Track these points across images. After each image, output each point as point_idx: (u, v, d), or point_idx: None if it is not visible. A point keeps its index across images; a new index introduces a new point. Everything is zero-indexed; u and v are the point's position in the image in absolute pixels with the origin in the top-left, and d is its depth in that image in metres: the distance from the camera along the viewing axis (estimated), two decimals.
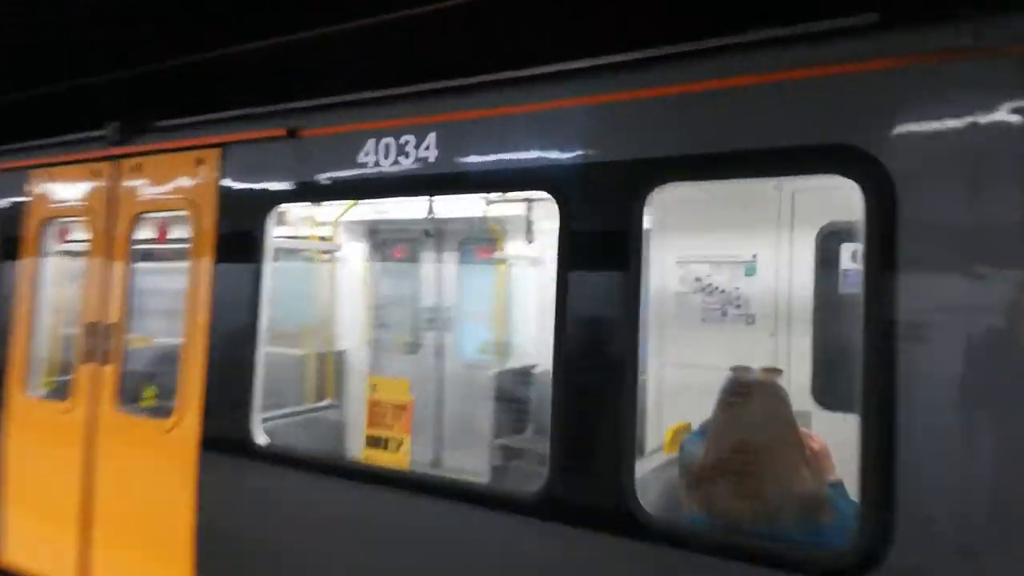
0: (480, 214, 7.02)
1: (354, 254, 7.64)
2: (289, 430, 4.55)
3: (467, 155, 3.57)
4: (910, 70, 2.61)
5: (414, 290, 8.22)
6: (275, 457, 4.06)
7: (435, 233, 7.27)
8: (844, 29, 2.75)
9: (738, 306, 4.95)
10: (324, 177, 4.06)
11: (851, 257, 4.63)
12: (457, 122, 3.62)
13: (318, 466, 3.92)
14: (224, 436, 4.24)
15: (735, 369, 3.18)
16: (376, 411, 3.86)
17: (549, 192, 3.36)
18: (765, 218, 4.82)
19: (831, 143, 2.72)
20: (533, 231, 6.70)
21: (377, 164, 3.83)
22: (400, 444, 3.76)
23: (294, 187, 4.19)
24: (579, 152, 3.26)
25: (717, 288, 5.02)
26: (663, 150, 3.07)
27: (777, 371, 3.10)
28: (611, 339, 3.12)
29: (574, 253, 3.24)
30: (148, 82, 4.88)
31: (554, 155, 3.33)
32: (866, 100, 2.68)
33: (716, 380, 4.84)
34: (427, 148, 3.67)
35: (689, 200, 4.97)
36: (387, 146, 3.80)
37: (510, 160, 3.45)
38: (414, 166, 3.70)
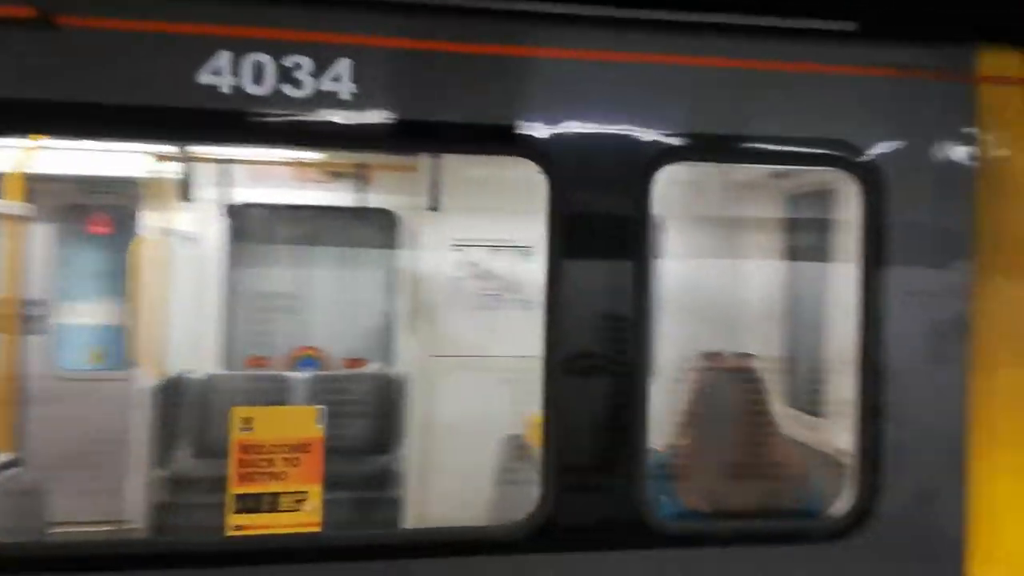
0: (102, 172, 5.35)
1: None
2: None
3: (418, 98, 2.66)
4: (895, 79, 2.93)
5: None
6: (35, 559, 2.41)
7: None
8: (842, 32, 2.93)
9: (516, 292, 4.81)
10: (123, 100, 2.54)
11: None
12: (408, 51, 2.66)
13: (149, 559, 2.47)
14: None
15: (708, 356, 3.12)
16: (250, 458, 2.59)
17: (534, 160, 2.76)
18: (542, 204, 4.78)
19: (836, 139, 2.88)
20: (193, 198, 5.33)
21: (239, 90, 2.57)
22: (302, 499, 2.61)
23: (47, 109, 2.53)
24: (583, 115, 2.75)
25: (494, 273, 4.78)
26: (678, 126, 2.81)
27: (749, 356, 3.14)
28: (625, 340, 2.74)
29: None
30: None
31: (544, 114, 2.73)
32: (865, 101, 2.91)
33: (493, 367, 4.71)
34: (336, 79, 2.61)
35: (466, 182, 4.65)
36: (258, 66, 2.58)
37: (480, 113, 2.70)
38: (314, 102, 2.60)
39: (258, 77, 2.58)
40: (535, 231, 4.82)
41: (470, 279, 4.75)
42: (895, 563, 2.85)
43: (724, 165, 4.25)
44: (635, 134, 2.79)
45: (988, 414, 2.92)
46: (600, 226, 2.78)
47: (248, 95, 2.56)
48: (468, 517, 4.10)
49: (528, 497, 3.45)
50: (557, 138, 2.75)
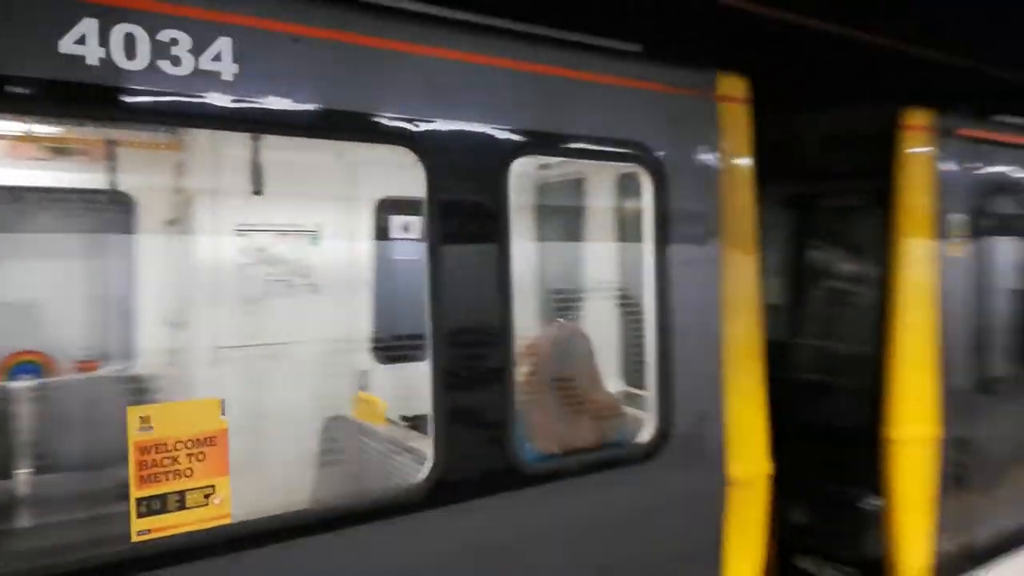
0: None
1: None
2: None
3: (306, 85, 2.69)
4: (669, 94, 3.71)
5: None
6: None
7: None
8: (637, 53, 3.60)
9: (304, 276, 4.79)
10: None
11: (401, 228, 5.21)
12: (290, 35, 2.65)
13: None
14: None
15: (548, 325, 3.63)
16: (152, 458, 2.42)
17: (413, 150, 2.95)
18: (328, 189, 4.83)
19: (635, 140, 3.56)
20: None
21: (110, 62, 2.39)
22: (210, 492, 2.52)
23: None
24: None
25: (282, 259, 4.71)
26: (527, 125, 3.22)
27: (574, 319, 3.68)
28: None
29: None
30: None
31: (423, 108, 2.94)
32: (652, 111, 3.64)
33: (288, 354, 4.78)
34: (217, 59, 2.55)
35: (248, 166, 4.52)
36: (130, 38, 2.42)
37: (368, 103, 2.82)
38: (194, 81, 2.51)
39: (132, 52, 2.42)
40: (322, 216, 4.92)
41: (257, 265, 4.63)
42: (686, 471, 3.68)
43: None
44: (495, 131, 3.16)
45: (734, 352, 3.88)
46: (469, 211, 3.10)
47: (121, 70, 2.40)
48: (284, 504, 4.13)
49: (369, 470, 3.66)
50: (433, 131, 3.00)
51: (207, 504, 2.53)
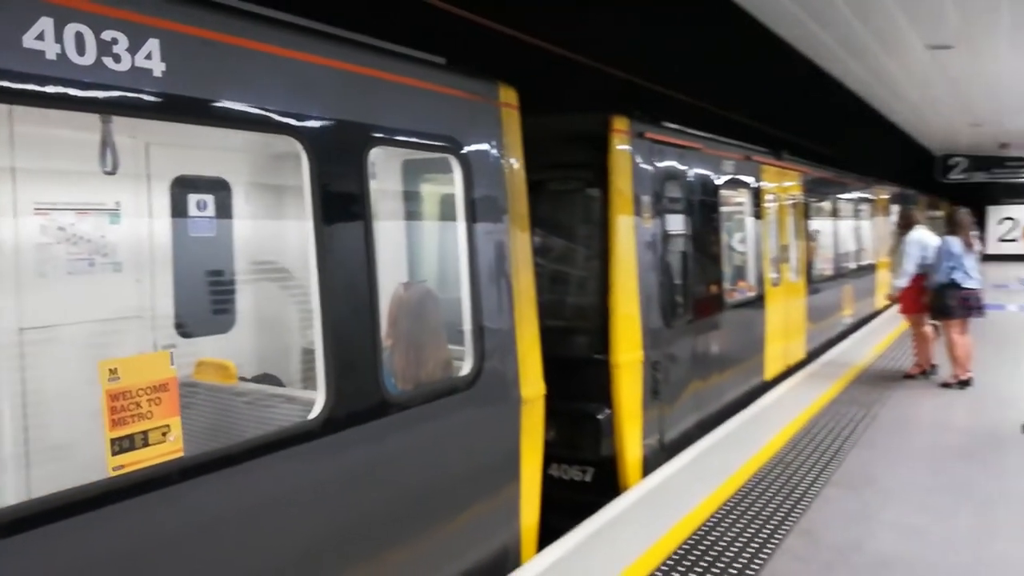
0: None
1: None
2: None
3: (215, 82, 3.11)
4: (466, 100, 4.65)
5: None
6: None
7: None
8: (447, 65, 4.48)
9: (105, 255, 4.80)
10: None
11: (196, 206, 5.40)
12: (205, 40, 3.04)
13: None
14: None
15: (404, 284, 4.40)
16: (120, 404, 2.72)
17: (299, 140, 3.49)
18: (124, 167, 4.86)
19: (447, 135, 4.45)
20: None
21: (65, 58, 2.66)
22: (166, 431, 2.87)
23: None
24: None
25: (83, 237, 4.68)
26: (376, 120, 3.93)
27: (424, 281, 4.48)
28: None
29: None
30: None
31: (306, 105, 3.50)
32: (457, 112, 4.55)
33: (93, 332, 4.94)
34: (148, 58, 2.91)
35: (44, 143, 4.47)
36: (79, 36, 2.71)
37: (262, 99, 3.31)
38: (131, 77, 2.85)
39: (82, 49, 2.71)
40: (119, 194, 4.96)
41: (57, 244, 4.52)
42: (494, 397, 4.72)
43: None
44: (357, 125, 3.83)
45: (519, 301, 5.00)
46: (342, 194, 3.74)
47: (73, 65, 2.68)
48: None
49: (243, 418, 4.11)
50: (314, 124, 3.58)
51: (164, 441, 2.91)
